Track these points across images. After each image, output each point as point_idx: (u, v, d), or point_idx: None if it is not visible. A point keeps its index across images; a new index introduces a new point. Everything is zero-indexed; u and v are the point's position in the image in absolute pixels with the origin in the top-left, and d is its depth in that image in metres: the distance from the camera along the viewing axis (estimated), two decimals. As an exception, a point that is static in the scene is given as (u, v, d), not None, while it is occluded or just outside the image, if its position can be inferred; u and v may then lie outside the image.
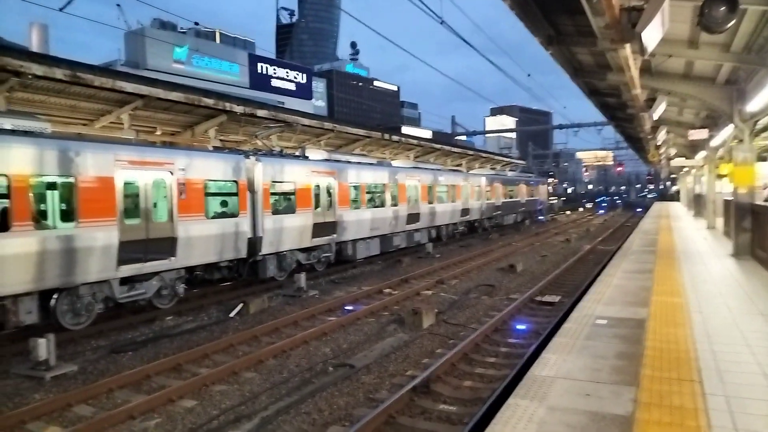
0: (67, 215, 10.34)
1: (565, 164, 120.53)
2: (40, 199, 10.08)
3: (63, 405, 7.43)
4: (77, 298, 10.48)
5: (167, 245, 11.94)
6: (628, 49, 9.34)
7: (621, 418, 4.40)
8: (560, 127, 66.72)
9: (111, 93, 13.55)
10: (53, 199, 10.36)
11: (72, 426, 6.77)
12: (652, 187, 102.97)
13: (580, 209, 73.53)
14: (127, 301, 11.60)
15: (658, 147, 31.03)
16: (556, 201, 70.34)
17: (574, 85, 16.87)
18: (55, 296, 10.13)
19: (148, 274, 11.80)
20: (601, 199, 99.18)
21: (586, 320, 7.65)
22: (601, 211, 67.66)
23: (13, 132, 9.55)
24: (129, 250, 11.01)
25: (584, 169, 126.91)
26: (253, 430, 6.61)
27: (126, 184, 11.19)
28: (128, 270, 11.14)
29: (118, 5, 68.68)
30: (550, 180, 70.78)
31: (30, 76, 11.54)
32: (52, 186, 10.23)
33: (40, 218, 9.94)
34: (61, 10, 12.30)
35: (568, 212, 63.29)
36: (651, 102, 15.72)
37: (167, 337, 10.90)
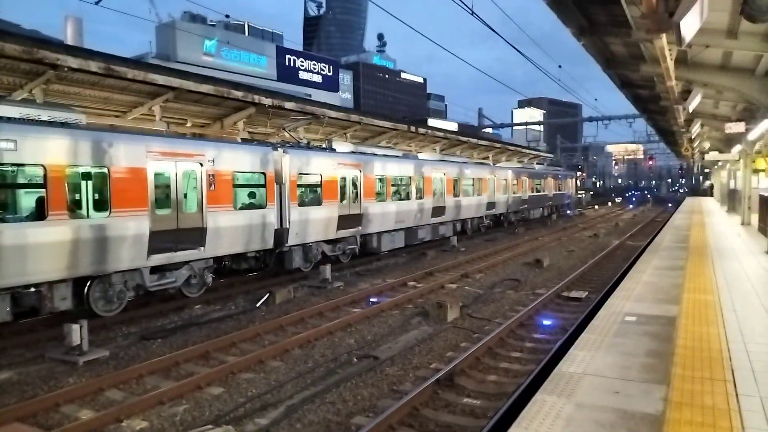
0: (100, 205, 10.59)
1: (594, 158, 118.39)
2: (75, 188, 10.34)
3: (95, 389, 7.65)
4: (109, 286, 10.75)
5: (196, 235, 12.14)
6: (664, 39, 9.09)
7: (651, 416, 4.33)
8: (590, 119, 65.45)
9: (143, 85, 13.78)
10: (87, 189, 10.62)
11: (104, 410, 6.96)
12: (684, 181, 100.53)
13: (609, 204, 72.22)
14: (157, 290, 11.84)
15: (691, 140, 30.23)
16: (584, 195, 69.20)
17: (605, 77, 16.53)
18: (88, 284, 10.40)
19: (178, 264, 12.03)
20: (631, 193, 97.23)
21: (614, 317, 7.53)
22: (631, 206, 66.34)
23: (49, 123, 9.81)
24: (159, 240, 11.23)
25: (614, 162, 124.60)
26: (279, 418, 6.69)
27: (157, 174, 11.39)
28: (159, 259, 11.36)
29: (150, -2, 69.74)
30: (578, 173, 69.65)
31: (66, 69, 11.80)
32: (86, 176, 10.49)
33: (74, 208, 10.20)
34: (97, 3, 12.52)
35: (596, 207, 62.22)
36: (686, 94, 15.32)
37: (196, 325, 11.11)
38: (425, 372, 8.38)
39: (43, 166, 9.38)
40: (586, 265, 17.75)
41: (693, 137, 27.95)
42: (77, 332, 8.77)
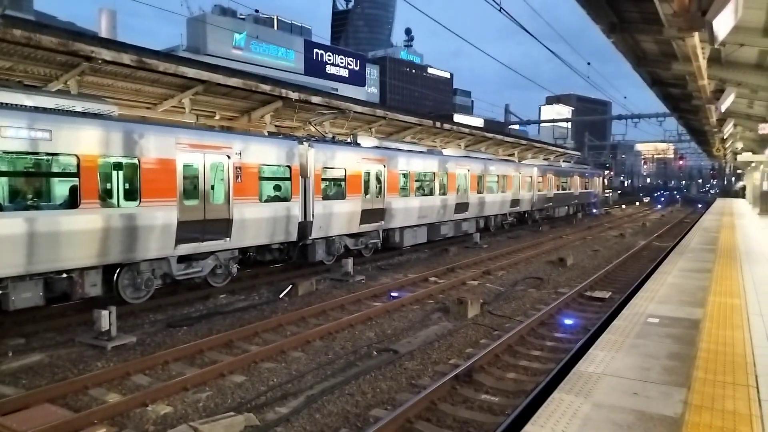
0: (130, 194, 10.88)
1: (623, 156, 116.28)
2: (106, 178, 10.64)
3: (122, 374, 7.88)
4: (138, 274, 11.04)
5: (223, 226, 12.36)
6: (696, 37, 8.94)
7: (670, 419, 4.31)
8: (619, 117, 64.25)
9: (174, 78, 14.05)
10: (118, 178, 10.92)
11: (130, 394, 7.18)
12: (715, 182, 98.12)
13: (637, 203, 70.95)
14: (184, 279, 12.11)
15: (723, 141, 29.52)
16: (611, 194, 68.09)
17: (635, 74, 16.25)
18: (117, 271, 10.70)
19: (204, 254, 12.28)
20: (660, 193, 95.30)
21: (637, 318, 7.46)
22: (659, 206, 65.06)
23: (83, 114, 10.09)
24: (187, 230, 11.48)
25: (643, 161, 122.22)
26: (299, 407, 6.82)
27: (185, 166, 11.62)
28: (185, 249, 11.61)
29: (181, -8, 70.75)
30: (605, 172, 68.52)
31: (100, 61, 12.11)
32: (117, 166, 10.78)
33: (106, 197, 10.49)
34: (130, -3, 12.78)
35: (623, 206, 61.19)
36: (719, 93, 14.97)
37: (220, 314, 11.34)
38: (444, 367, 8.43)
39: (76, 155, 9.65)
40: (610, 265, 17.53)
41: (725, 137, 27.29)
42: (106, 318, 9.04)
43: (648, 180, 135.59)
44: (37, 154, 9.36)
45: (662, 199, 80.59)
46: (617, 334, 6.67)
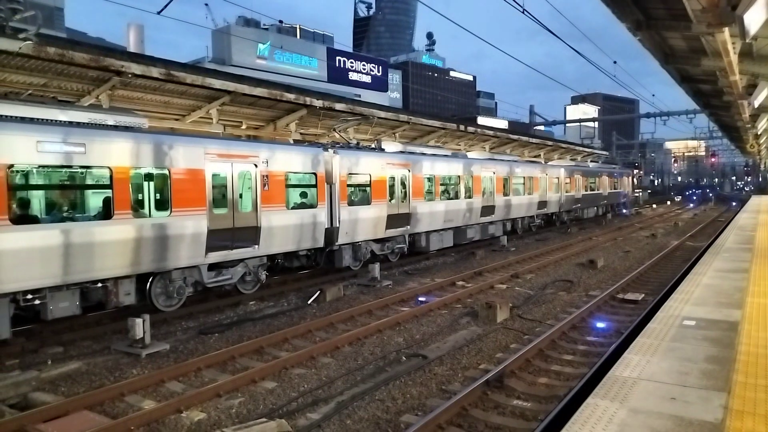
0: (161, 205, 11.10)
1: (652, 155, 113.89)
2: (138, 189, 10.88)
3: (157, 381, 8.04)
4: (170, 282, 11.25)
5: (251, 234, 12.52)
6: (726, 33, 8.73)
7: (709, 425, 4.19)
8: (647, 115, 63.04)
9: (201, 89, 14.34)
10: (149, 189, 11.16)
11: (165, 400, 7.31)
12: (749, 179, 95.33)
13: (668, 202, 69.39)
14: (214, 286, 12.30)
15: (757, 137, 28.70)
16: (641, 193, 66.75)
17: (663, 72, 15.94)
18: (150, 280, 10.92)
19: (234, 261, 12.45)
20: (692, 191, 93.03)
21: (672, 321, 7.28)
22: (691, 205, 63.50)
23: (115, 127, 10.35)
24: (217, 238, 11.66)
25: (673, 159, 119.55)
26: (330, 413, 6.85)
27: (214, 175, 11.81)
28: (216, 257, 11.79)
29: (206, 4, 72.13)
30: (635, 171, 67.23)
31: (130, 75, 12.44)
32: (148, 177, 11.01)
33: (138, 207, 10.73)
34: (158, 13, 13.11)
35: (654, 205, 59.90)
36: (751, 88, 14.58)
37: (250, 320, 11.47)
38: (474, 372, 8.37)
39: (109, 168, 9.90)
40: (642, 267, 17.18)
41: (759, 133, 26.53)
42: (140, 326, 9.23)
43: (679, 178, 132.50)
44: (71, 167, 9.63)
45: (694, 197, 78.65)
46: (652, 337, 6.53)
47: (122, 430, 6.36)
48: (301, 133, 19.07)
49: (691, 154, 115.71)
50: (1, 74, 11.58)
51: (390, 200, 17.14)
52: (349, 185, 15.58)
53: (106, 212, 10.05)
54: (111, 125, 10.34)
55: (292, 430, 6.39)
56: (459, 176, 20.86)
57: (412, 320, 11.38)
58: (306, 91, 17.68)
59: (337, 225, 15.00)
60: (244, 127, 17.83)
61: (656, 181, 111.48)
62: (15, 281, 8.61)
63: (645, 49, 13.12)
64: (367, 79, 75.09)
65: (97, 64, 11.64)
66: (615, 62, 26.56)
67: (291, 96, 16.29)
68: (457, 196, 20.76)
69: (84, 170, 9.97)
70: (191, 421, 6.71)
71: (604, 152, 57.71)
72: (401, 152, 18.41)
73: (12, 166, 8.67)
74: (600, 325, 10.88)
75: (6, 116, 8.80)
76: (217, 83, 14.14)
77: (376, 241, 17.12)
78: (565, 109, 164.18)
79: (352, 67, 73.48)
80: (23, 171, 9.28)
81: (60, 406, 6.99)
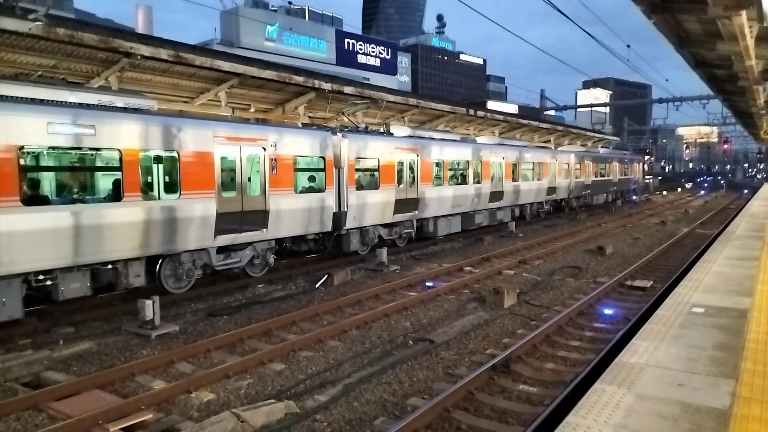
0: (170, 187, 11.14)
1: (664, 141, 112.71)
2: (147, 172, 10.92)
3: (167, 361, 8.14)
4: (179, 265, 11.33)
5: (259, 217, 12.55)
6: (743, 16, 8.56)
7: (717, 411, 4.19)
8: (659, 101, 62.11)
9: (209, 72, 14.28)
10: (159, 172, 11.19)
11: (175, 381, 7.41)
12: (762, 166, 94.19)
13: (679, 189, 68.81)
14: (223, 269, 12.38)
15: (772, 123, 28.25)
16: (651, 180, 66.18)
17: (677, 56, 15.68)
18: (159, 262, 11.00)
19: (242, 244, 12.51)
20: (703, 178, 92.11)
21: (681, 308, 7.25)
22: (702, 192, 62.94)
23: (124, 109, 10.35)
24: (225, 222, 11.70)
25: (685, 146, 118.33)
26: (337, 395, 6.91)
27: (223, 158, 11.82)
28: (224, 240, 11.85)
29: (215, -15, 71.46)
30: (645, 157, 66.56)
31: (139, 57, 12.40)
32: (157, 160, 11.04)
33: (147, 190, 10.78)
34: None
35: (664, 192, 59.44)
36: (767, 74, 14.31)
37: (259, 303, 11.55)
38: (481, 357, 8.40)
39: (118, 150, 9.93)
40: (651, 254, 17.10)
41: (774, 119, 26.11)
42: (150, 307, 9.33)
43: (690, 165, 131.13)
44: (81, 149, 9.66)
45: (705, 184, 77.92)
46: (660, 324, 6.51)
47: (133, 409, 6.45)
48: (309, 117, 19.00)
49: (703, 140, 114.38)
50: (12, 55, 11.59)
51: (398, 185, 17.10)
52: (357, 169, 15.54)
53: (116, 194, 10.10)
54: (120, 107, 10.34)
55: (300, 411, 6.46)
56: (468, 161, 20.76)
57: (419, 305, 11.42)
58: (315, 74, 17.57)
59: (345, 209, 15.00)
60: (252, 110, 17.79)
61: (667, 168, 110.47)
62: (27, 262, 8.71)
63: (659, 33, 12.89)
64: (376, 62, 74.46)
65: (106, 45, 11.61)
66: (628, 46, 26.16)
67: (300, 79, 16.21)
68: (465, 182, 20.68)
69: (94, 152, 10.00)
70: (201, 402, 6.80)
71: (615, 138, 57.11)
72: (410, 137, 18.32)
73: (23, 147, 8.71)
74: (608, 311, 10.86)
75: (17, 97, 8.82)
76: (226, 65, 14.08)
77: (384, 225, 17.12)
78: (576, 93, 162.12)
79: (360, 49, 72.86)
80: (34, 152, 9.32)
81: (72, 385, 7.10)
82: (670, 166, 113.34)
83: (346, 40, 71.41)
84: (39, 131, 8.85)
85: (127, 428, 6.09)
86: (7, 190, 8.42)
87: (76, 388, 7.06)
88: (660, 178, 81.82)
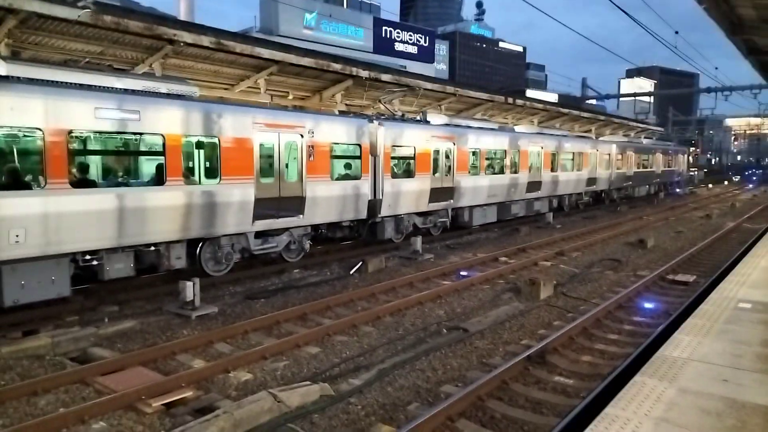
0: (211, 172, 11.36)
1: (711, 132, 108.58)
2: (189, 157, 11.15)
3: (206, 341, 8.36)
4: (218, 248, 11.58)
5: (296, 203, 12.70)
6: (802, -1, 8.10)
7: (764, 408, 4.05)
8: (707, 90, 59.71)
9: (249, 59, 14.47)
10: (200, 157, 11.42)
11: (213, 360, 7.60)
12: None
13: (725, 182, 66.31)
14: (260, 253, 12.59)
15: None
16: (696, 172, 63.99)
17: (728, 43, 15.03)
18: (200, 245, 11.27)
19: (279, 230, 12.69)
20: (752, 171, 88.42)
21: (726, 303, 7.02)
22: (751, 186, 60.48)
23: (168, 95, 10.58)
24: (263, 207, 11.88)
25: (733, 138, 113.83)
26: (371, 380, 6.97)
27: (261, 145, 11.97)
28: (262, 225, 12.04)
29: (255, -27, 71.76)
30: (691, 149, 64.32)
31: (181, 44, 12.65)
32: (199, 145, 11.27)
33: (188, 174, 11.02)
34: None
35: (710, 185, 57.39)
36: (826, 61, 13.58)
37: (294, 288, 11.72)
38: (516, 347, 8.33)
39: (162, 135, 10.17)
40: (695, 248, 16.56)
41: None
42: (191, 289, 9.58)
43: (738, 157, 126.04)
44: (126, 133, 9.93)
45: (754, 178, 74.79)
46: (704, 318, 6.32)
47: (174, 386, 6.66)
48: (346, 104, 19.06)
49: (753, 132, 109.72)
50: (62, 42, 11.98)
51: (434, 173, 17.00)
52: (393, 157, 15.52)
53: (159, 178, 10.36)
54: (164, 93, 10.56)
55: (334, 394, 6.55)
56: (505, 150, 20.46)
57: (454, 294, 11.38)
58: (352, 61, 17.60)
59: (380, 197, 15.02)
60: (290, 97, 17.95)
61: (713, 160, 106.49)
62: (74, 242, 9.04)
63: (710, 19, 12.38)
64: (413, 49, 73.91)
65: (150, 32, 11.89)
66: (677, 32, 25.19)
67: (337, 66, 16.25)
68: (502, 171, 20.41)
69: (138, 137, 10.26)
70: (238, 381, 6.96)
71: (659, 128, 55.37)
72: (446, 125, 18.17)
73: (71, 131, 9.01)
74: (648, 305, 10.60)
75: (66, 83, 9.12)
76: (266, 53, 14.23)
77: (419, 214, 17.08)
78: (618, 82, 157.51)
79: (398, 37, 72.42)
80: (81, 137, 9.64)
81: (116, 362, 7.38)
82: (717, 159, 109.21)
83: (384, 27, 71.07)
84: (87, 116, 9.13)
85: (168, 404, 6.30)
86: (57, 173, 8.74)
87: (121, 364, 7.33)
88: (705, 170, 78.97)
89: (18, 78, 8.58)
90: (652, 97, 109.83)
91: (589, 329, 9.09)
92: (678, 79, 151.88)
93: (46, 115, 8.59)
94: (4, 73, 8.53)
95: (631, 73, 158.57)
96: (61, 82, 9.05)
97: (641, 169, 34.35)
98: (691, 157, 59.11)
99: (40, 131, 8.56)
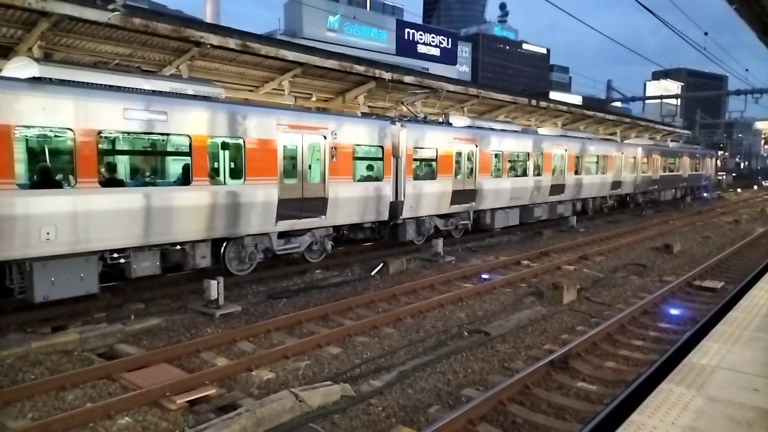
0: (235, 173, 11.51)
1: (740, 135, 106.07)
2: (214, 157, 11.31)
3: (229, 340, 8.46)
4: (242, 248, 11.72)
5: (319, 204, 12.78)
6: (839, -1, 7.88)
7: (796, 420, 3.94)
8: (737, 93, 58.31)
9: (274, 61, 14.61)
10: (225, 157, 11.57)
11: (237, 359, 7.69)
12: None
13: (755, 187, 64.73)
14: (283, 254, 12.70)
15: None
16: (724, 177, 62.59)
17: (758, 45, 14.67)
18: (224, 245, 11.41)
19: (302, 230, 12.79)
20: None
21: (757, 310, 6.85)
22: (782, 191, 58.92)
23: (194, 97, 10.74)
24: (286, 208, 11.98)
25: (763, 141, 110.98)
26: (392, 381, 6.97)
27: (285, 146, 12.08)
28: (285, 225, 12.15)
29: (279, -24, 72.54)
30: (719, 153, 62.95)
31: (208, 46, 12.84)
32: (224, 146, 11.42)
33: (214, 175, 11.17)
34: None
35: (738, 190, 56.08)
36: None
37: (316, 288, 11.79)
38: (538, 352, 8.26)
39: (188, 135, 10.32)
40: (723, 253, 16.21)
41: None
42: (215, 288, 9.71)
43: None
44: (154, 134, 10.11)
45: None
46: (734, 326, 6.18)
47: (198, 383, 6.75)
48: (368, 106, 19.10)
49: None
50: (92, 44, 12.26)
51: (456, 176, 16.94)
52: (415, 159, 15.51)
53: (185, 178, 10.52)
54: (190, 95, 10.72)
55: (355, 395, 6.57)
56: (528, 153, 20.29)
57: (475, 297, 11.33)
58: (375, 63, 17.65)
59: (402, 199, 15.02)
60: (314, 99, 18.07)
61: (742, 164, 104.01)
62: (103, 240, 9.23)
63: (740, 20, 12.10)
64: (435, 51, 73.81)
65: (178, 34, 12.09)
66: (706, 34, 24.64)
67: (360, 68, 16.31)
68: (525, 174, 20.24)
69: (165, 137, 10.43)
70: (261, 380, 7.03)
71: (686, 131, 54.30)
72: (469, 127, 18.08)
73: (101, 132, 9.21)
74: (674, 312, 10.41)
75: (96, 84, 9.32)
76: (291, 55, 14.36)
77: (440, 216, 17.04)
78: (644, 84, 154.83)
79: (421, 39, 72.39)
80: (111, 137, 9.84)
81: (142, 358, 7.51)
82: (746, 163, 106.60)
83: (407, 29, 71.15)
84: (116, 117, 9.32)
85: (192, 401, 6.39)
86: (87, 173, 8.94)
87: (146, 361, 7.46)
88: (734, 174, 77.21)
89: (50, 79, 8.81)
90: (678, 100, 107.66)
91: (613, 335, 8.97)
92: (706, 82, 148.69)
93: (77, 115, 8.80)
94: (36, 75, 8.76)
95: (657, 75, 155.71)
96: (91, 84, 9.26)
97: (667, 173, 33.74)
98: (719, 161, 57.85)
99: (70, 131, 8.77)
